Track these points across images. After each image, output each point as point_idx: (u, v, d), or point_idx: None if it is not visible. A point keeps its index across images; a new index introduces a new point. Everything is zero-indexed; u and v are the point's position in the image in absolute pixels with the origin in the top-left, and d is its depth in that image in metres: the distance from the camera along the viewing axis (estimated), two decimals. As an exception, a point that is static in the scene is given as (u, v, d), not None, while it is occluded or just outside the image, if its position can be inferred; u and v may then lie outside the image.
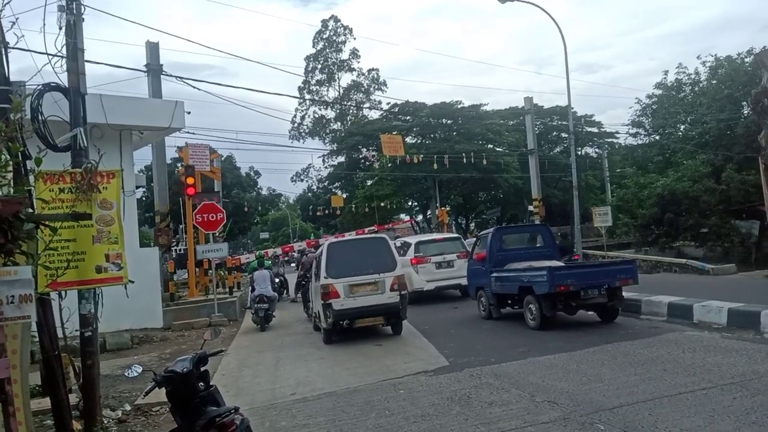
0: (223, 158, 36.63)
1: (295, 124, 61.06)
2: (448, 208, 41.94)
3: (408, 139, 41.97)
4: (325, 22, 60.51)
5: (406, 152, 33.09)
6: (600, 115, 78.80)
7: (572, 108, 26.05)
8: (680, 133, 30.73)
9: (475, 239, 16.35)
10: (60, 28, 6.74)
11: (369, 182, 48.02)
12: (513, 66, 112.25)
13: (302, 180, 61.83)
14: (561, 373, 7.62)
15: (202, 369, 4.48)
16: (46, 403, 6.70)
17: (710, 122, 25.50)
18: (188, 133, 19.67)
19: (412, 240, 18.66)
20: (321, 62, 60.62)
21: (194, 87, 16.18)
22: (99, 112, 12.55)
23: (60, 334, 6.46)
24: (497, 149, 43.86)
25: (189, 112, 16.10)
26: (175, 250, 26.22)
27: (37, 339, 6.19)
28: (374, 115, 54.45)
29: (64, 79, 6.83)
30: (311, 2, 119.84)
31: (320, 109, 61.56)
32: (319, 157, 54.70)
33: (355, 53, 60.77)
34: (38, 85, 6.61)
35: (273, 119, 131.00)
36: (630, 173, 31.47)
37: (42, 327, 6.07)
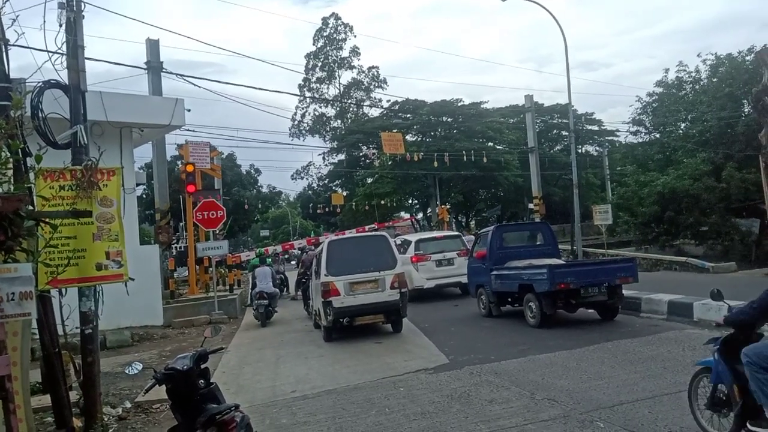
0: (224, 156, 36.64)
1: (296, 122, 61.11)
2: (448, 206, 41.93)
3: (408, 137, 41.98)
4: (325, 20, 60.54)
5: (407, 150, 33.07)
6: (600, 113, 78.65)
7: (573, 106, 26.03)
8: (681, 132, 30.69)
9: (473, 237, 16.35)
10: (60, 26, 6.74)
11: (369, 180, 48.01)
12: (513, 64, 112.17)
13: (302, 178, 61.84)
14: (561, 370, 7.63)
15: (203, 366, 4.48)
16: (46, 400, 6.71)
17: (711, 120, 25.49)
18: (188, 130, 19.70)
19: (413, 238, 18.66)
20: (321, 60, 60.57)
21: (194, 84, 16.23)
22: (99, 109, 12.55)
23: (60, 332, 6.47)
24: (498, 147, 43.88)
25: (189, 110, 16.14)
26: (176, 247, 26.22)
27: (38, 336, 6.20)
28: (374, 112, 54.50)
29: (64, 77, 6.83)
30: (311, 0, 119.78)
31: (321, 107, 61.58)
32: (320, 154, 54.76)
33: (355, 51, 60.77)
34: (38, 82, 6.61)
35: (273, 117, 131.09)
36: (630, 171, 31.49)
37: (42, 324, 6.08)
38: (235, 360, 10.62)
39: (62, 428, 6.19)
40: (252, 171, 56.96)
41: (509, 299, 12.44)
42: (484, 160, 35.69)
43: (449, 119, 45.23)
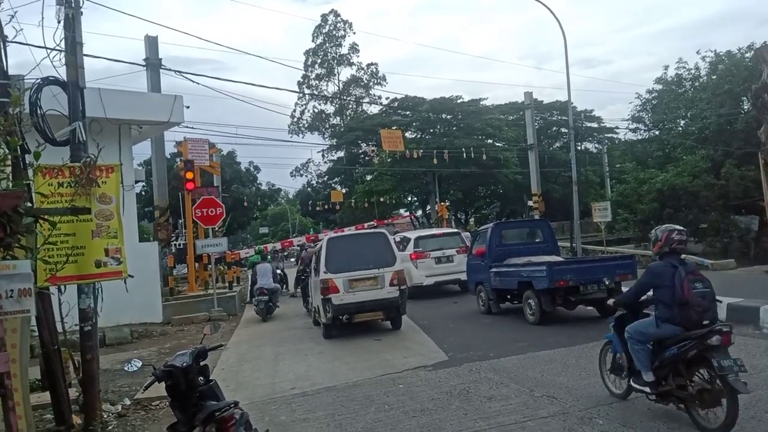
0: (224, 153, 36.59)
1: (295, 119, 61.02)
2: (447, 203, 41.92)
3: (407, 134, 41.92)
4: (325, 17, 60.38)
5: (406, 147, 33.03)
6: (600, 110, 78.87)
7: (572, 103, 26.03)
8: (680, 129, 30.64)
9: (471, 233, 16.34)
10: (58, 22, 6.71)
11: (368, 177, 47.95)
12: (513, 61, 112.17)
13: (302, 175, 61.82)
14: (560, 367, 7.64)
15: (202, 363, 4.48)
16: (45, 397, 6.71)
17: (710, 117, 25.46)
18: (187, 127, 19.69)
19: (412, 235, 18.66)
20: (320, 57, 60.45)
21: (193, 81, 16.18)
22: (98, 106, 12.53)
23: (59, 329, 6.47)
24: (497, 144, 43.81)
25: (188, 107, 16.08)
26: (175, 244, 26.18)
27: (37, 333, 6.20)
28: (374, 109, 54.40)
29: (62, 73, 6.81)
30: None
31: (320, 104, 61.51)
32: (319, 152, 54.66)
33: (354, 48, 60.65)
34: (37, 78, 6.60)
35: (272, 114, 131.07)
36: (629, 168, 31.42)
37: (41, 321, 6.08)
38: (234, 357, 10.62)
39: (61, 425, 6.20)
40: (251, 168, 56.94)
41: (508, 296, 12.45)
42: (484, 157, 35.65)
43: (448, 116, 45.15)
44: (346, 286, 11.00)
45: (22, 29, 5.81)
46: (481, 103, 46.92)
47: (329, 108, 61.87)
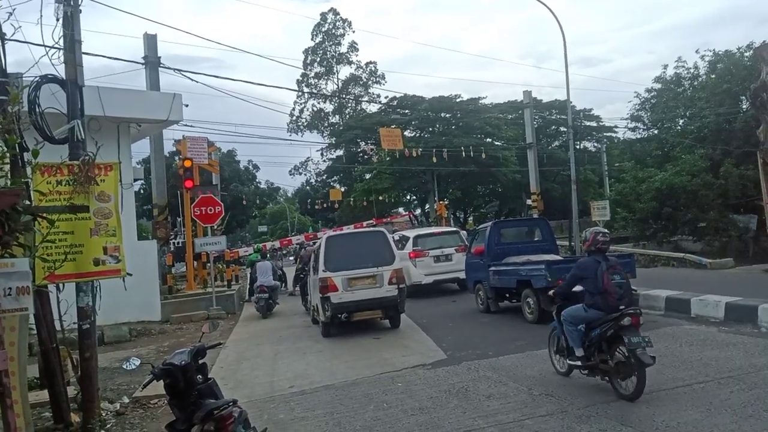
0: (223, 152, 36.52)
1: (294, 118, 60.99)
2: (446, 202, 41.90)
3: (406, 133, 41.88)
4: (324, 15, 60.33)
5: (405, 146, 33.01)
6: (599, 109, 78.90)
7: (571, 102, 25.99)
8: (679, 128, 30.64)
9: (469, 232, 16.34)
10: (57, 20, 6.69)
11: (367, 176, 47.91)
12: (512, 60, 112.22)
13: (300, 173, 61.83)
14: (559, 366, 7.63)
15: (200, 362, 4.48)
16: (44, 395, 6.71)
17: (709, 117, 25.46)
18: (186, 126, 19.64)
19: (411, 234, 18.64)
20: (320, 55, 60.41)
21: (192, 79, 16.15)
22: (96, 104, 12.50)
23: (58, 327, 6.47)
24: (496, 143, 43.79)
25: (187, 105, 16.05)
26: (174, 243, 26.18)
27: (35, 331, 6.19)
28: (373, 108, 54.36)
29: (61, 71, 6.79)
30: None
31: (319, 103, 61.47)
32: (318, 150, 54.62)
33: (353, 46, 60.62)
34: (35, 76, 6.57)
35: (271, 112, 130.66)
36: (628, 167, 31.45)
37: (40, 319, 6.08)
38: (233, 355, 10.62)
39: (60, 423, 6.20)
40: (250, 167, 56.89)
41: (507, 295, 12.45)
42: (483, 156, 35.61)
43: (447, 115, 45.12)
44: (344, 284, 11.00)
45: (20, 27, 5.80)
46: (480, 101, 46.90)
47: (328, 106, 61.90)
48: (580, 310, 6.57)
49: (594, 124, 47.24)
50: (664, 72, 32.59)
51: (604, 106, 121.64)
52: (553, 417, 5.69)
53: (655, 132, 33.35)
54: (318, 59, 60.42)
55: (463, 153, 33.80)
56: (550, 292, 7.41)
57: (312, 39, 60.67)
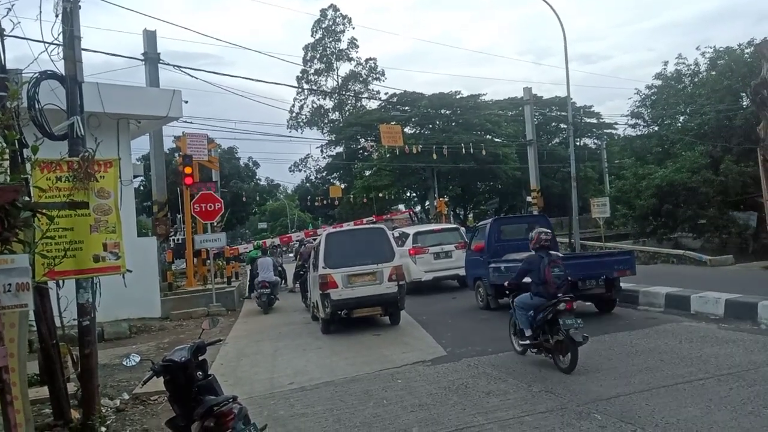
0: (223, 149, 36.46)
1: (294, 114, 60.94)
2: (446, 199, 41.87)
3: (406, 130, 41.88)
4: (324, 12, 60.23)
5: (405, 143, 32.98)
6: (599, 105, 78.85)
7: (571, 98, 25.98)
8: (679, 125, 30.61)
9: (469, 228, 16.33)
10: (56, 16, 6.66)
11: (367, 173, 47.91)
12: (512, 56, 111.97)
13: (300, 170, 61.79)
14: (558, 363, 7.64)
15: (200, 358, 4.47)
16: (44, 392, 6.71)
17: (709, 113, 25.43)
18: (186, 122, 19.58)
19: (410, 230, 18.64)
20: (320, 52, 60.33)
21: (192, 76, 16.15)
22: (96, 100, 12.46)
23: (58, 323, 6.46)
24: (496, 140, 43.79)
25: (186, 101, 16.04)
26: (173, 239, 26.18)
27: (35, 328, 6.18)
28: (373, 105, 54.32)
29: (60, 67, 6.77)
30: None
31: (319, 99, 61.39)
32: (318, 147, 54.64)
33: (353, 43, 60.55)
34: (35, 73, 6.55)
35: (271, 109, 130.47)
36: (628, 164, 31.46)
37: (40, 316, 6.07)
38: (233, 352, 10.63)
39: (60, 420, 6.20)
40: (250, 163, 56.89)
41: (507, 292, 12.43)
42: (483, 152, 35.61)
43: (447, 112, 45.10)
44: (344, 281, 11.00)
45: (19, 23, 5.78)
46: (480, 98, 46.90)
47: (328, 103, 61.90)
48: (528, 298, 7.72)
49: (594, 120, 47.22)
50: (664, 69, 32.53)
51: (604, 102, 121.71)
52: (552, 413, 5.69)
53: (656, 129, 33.30)
54: (318, 56, 60.33)
55: (463, 150, 33.78)
56: (505, 283, 8.71)
57: (312, 35, 60.66)
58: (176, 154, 27.47)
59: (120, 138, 14.25)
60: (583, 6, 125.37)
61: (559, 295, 7.28)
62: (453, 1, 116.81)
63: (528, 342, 7.68)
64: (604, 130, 47.24)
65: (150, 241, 16.39)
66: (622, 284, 11.21)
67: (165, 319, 14.85)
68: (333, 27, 60.33)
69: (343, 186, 50.83)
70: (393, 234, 14.83)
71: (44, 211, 5.21)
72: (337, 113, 61.26)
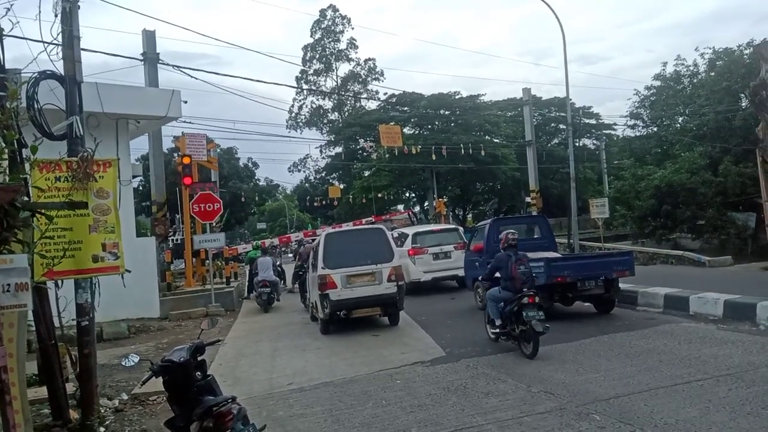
0: (222, 149, 36.43)
1: (293, 114, 60.90)
2: (445, 200, 41.88)
3: (406, 130, 41.86)
4: (323, 12, 60.17)
5: (404, 143, 32.96)
6: (598, 106, 78.94)
7: (570, 99, 25.99)
8: (678, 125, 30.66)
9: (466, 229, 16.32)
10: (55, 16, 6.66)
11: (366, 173, 47.90)
12: (511, 57, 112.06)
13: (300, 170, 61.77)
14: (557, 363, 7.65)
15: (199, 358, 4.48)
16: (43, 392, 6.70)
17: (708, 114, 25.45)
18: (185, 122, 19.57)
19: (410, 231, 18.63)
20: (319, 52, 60.28)
21: (191, 76, 16.16)
22: (95, 100, 12.46)
23: (57, 324, 6.46)
24: (495, 140, 43.77)
25: (186, 102, 16.02)
26: (172, 240, 26.18)
27: (34, 328, 6.18)
28: (372, 105, 54.31)
29: (60, 67, 6.77)
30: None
31: (318, 99, 61.36)
32: (317, 147, 54.55)
33: (352, 43, 60.50)
34: (34, 72, 6.55)
35: (270, 109, 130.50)
36: (627, 165, 31.43)
37: (39, 316, 6.07)
38: (232, 352, 10.62)
39: (59, 420, 6.19)
40: (249, 164, 56.85)
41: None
42: (482, 153, 35.60)
43: (447, 112, 45.08)
44: (343, 281, 10.99)
45: (18, 22, 5.77)
46: (480, 99, 46.89)
47: (327, 103, 61.83)
48: (497, 292, 8.74)
49: (593, 121, 47.27)
50: (663, 70, 32.61)
51: (603, 103, 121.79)
52: (551, 414, 5.69)
53: (655, 129, 33.36)
54: (317, 56, 60.29)
55: (463, 150, 33.78)
56: (479, 278, 9.91)
57: (311, 36, 60.59)
58: (175, 154, 27.42)
59: (119, 138, 14.25)
60: (582, 7, 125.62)
61: (524, 289, 8.20)
62: (453, 1, 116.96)
63: (498, 330, 8.64)
64: (603, 131, 47.27)
65: (149, 241, 16.38)
66: (621, 285, 11.21)
67: (164, 319, 14.84)
68: (332, 27, 60.30)
69: (342, 186, 50.78)
70: (392, 234, 14.83)
71: (43, 211, 5.21)
72: (336, 113, 61.23)
